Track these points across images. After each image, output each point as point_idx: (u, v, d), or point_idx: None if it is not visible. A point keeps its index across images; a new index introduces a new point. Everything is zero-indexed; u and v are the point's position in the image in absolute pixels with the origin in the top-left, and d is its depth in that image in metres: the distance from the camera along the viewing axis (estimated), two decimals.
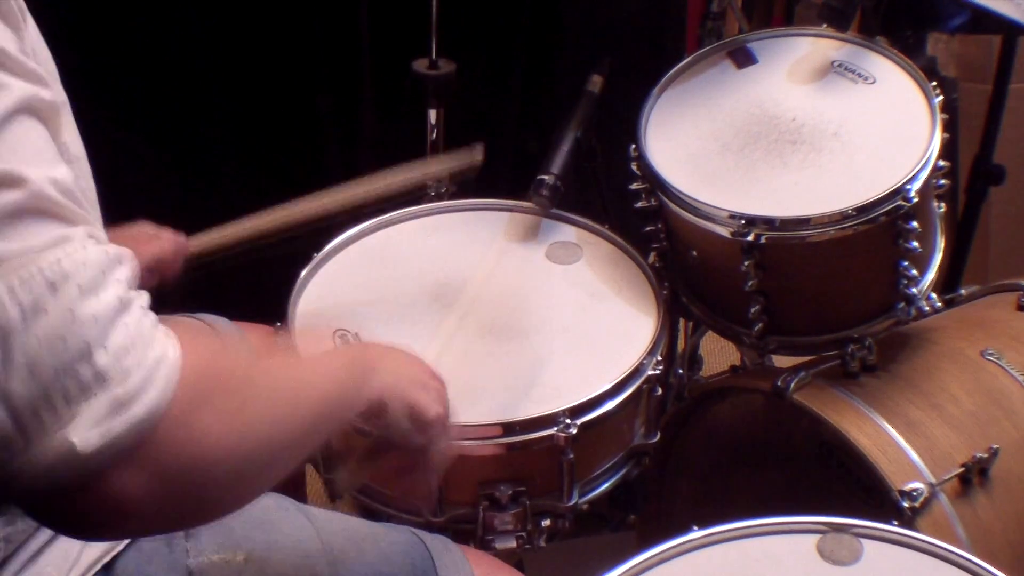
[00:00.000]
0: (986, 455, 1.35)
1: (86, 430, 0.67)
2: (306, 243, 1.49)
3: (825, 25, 1.52)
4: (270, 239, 1.43)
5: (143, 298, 0.73)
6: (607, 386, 1.28)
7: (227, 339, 1.07)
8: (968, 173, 1.95)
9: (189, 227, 1.43)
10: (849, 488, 1.40)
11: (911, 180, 1.34)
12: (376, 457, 1.07)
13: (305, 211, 1.44)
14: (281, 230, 1.43)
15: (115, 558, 1.02)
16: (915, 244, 1.34)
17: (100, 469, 0.68)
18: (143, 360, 0.69)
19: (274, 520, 1.12)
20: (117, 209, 1.25)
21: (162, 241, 1.34)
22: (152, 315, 0.73)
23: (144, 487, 0.70)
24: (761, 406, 1.53)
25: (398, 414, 0.97)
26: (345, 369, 0.94)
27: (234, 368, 0.79)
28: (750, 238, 1.34)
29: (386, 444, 1.04)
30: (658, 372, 1.33)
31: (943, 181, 1.41)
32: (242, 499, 0.81)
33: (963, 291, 1.68)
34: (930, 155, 1.37)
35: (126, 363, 0.68)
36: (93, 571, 0.99)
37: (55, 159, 0.73)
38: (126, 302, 0.70)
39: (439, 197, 1.71)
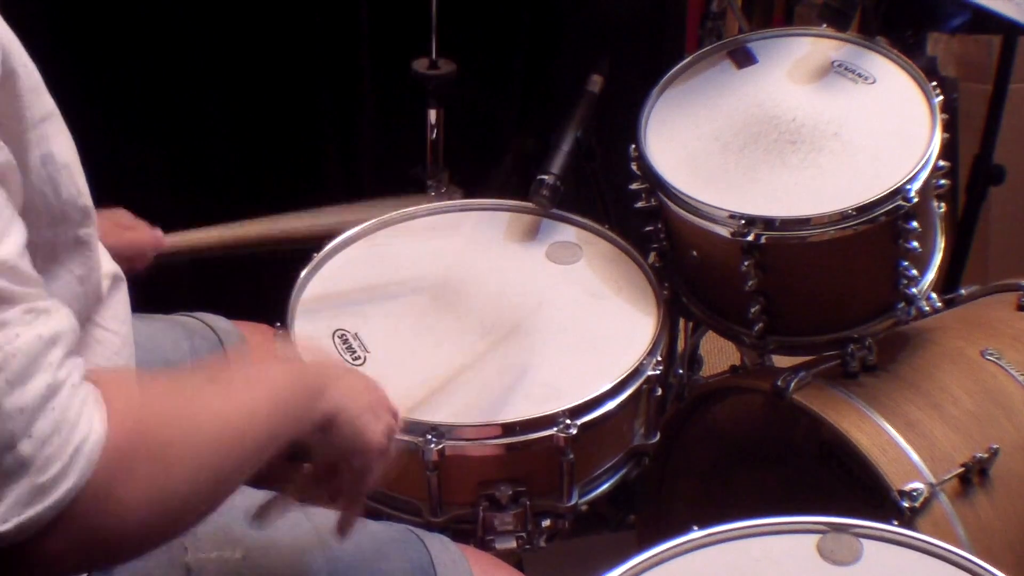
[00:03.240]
0: (986, 455, 1.35)
1: (5, 511, 0.71)
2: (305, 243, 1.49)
3: (825, 25, 1.52)
4: (242, 248, 1.44)
5: (76, 371, 0.75)
6: (607, 386, 1.28)
7: (171, 372, 1.05)
8: (968, 173, 1.95)
9: (188, 226, 1.44)
10: (849, 488, 1.40)
11: (911, 180, 1.34)
12: (311, 482, 1.06)
13: (284, 228, 1.45)
14: (254, 243, 1.45)
15: None
16: (915, 244, 1.34)
17: (19, 541, 0.72)
18: (66, 445, 0.72)
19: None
20: (114, 207, 1.26)
21: (138, 232, 1.34)
22: (82, 389, 0.75)
23: (64, 551, 0.74)
24: (761, 406, 1.53)
25: (343, 435, 0.98)
26: (294, 392, 0.94)
27: (165, 419, 0.80)
28: (750, 238, 1.34)
29: (323, 467, 1.04)
30: (658, 372, 1.33)
31: (943, 181, 1.41)
32: (170, 538, 0.85)
33: (963, 291, 1.68)
34: (930, 155, 1.37)
35: (49, 450, 0.71)
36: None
37: (3, 229, 0.75)
38: (55, 387, 0.73)
39: (439, 197, 1.71)
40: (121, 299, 1.11)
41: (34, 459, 0.71)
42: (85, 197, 0.95)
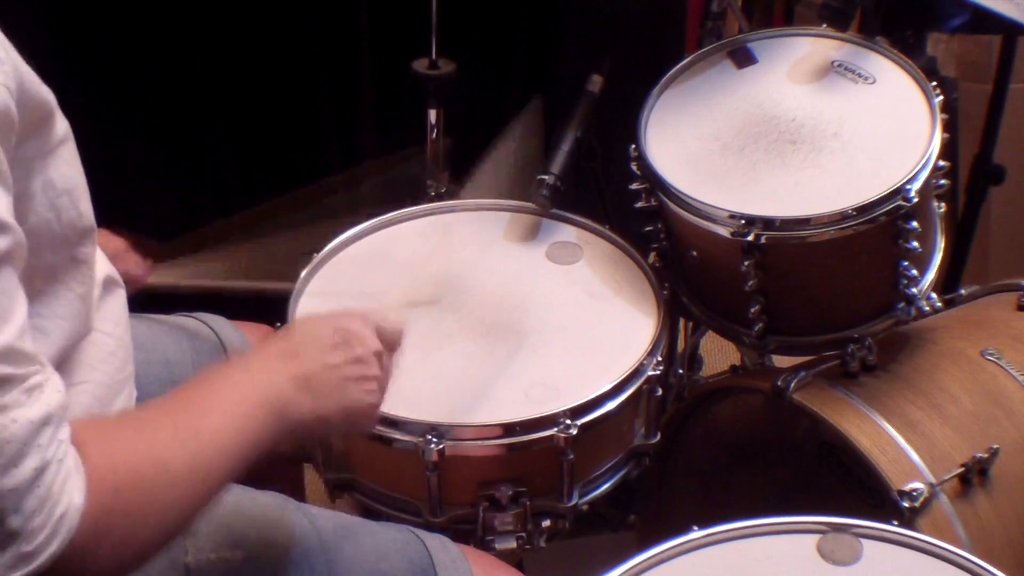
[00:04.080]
0: (986, 455, 1.35)
1: None
2: (305, 243, 1.49)
3: (825, 25, 1.52)
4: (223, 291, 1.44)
5: (62, 446, 0.81)
6: (607, 387, 1.28)
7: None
8: (968, 173, 1.95)
9: (188, 226, 1.44)
10: (849, 488, 1.40)
11: (911, 180, 1.34)
12: None
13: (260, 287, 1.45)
14: (238, 290, 1.44)
15: None
16: (915, 244, 1.34)
17: None
18: (50, 518, 0.79)
19: (273, 519, 1.12)
20: (116, 209, 1.25)
21: (126, 263, 1.32)
22: (66, 463, 0.81)
23: None
24: (761, 406, 1.53)
25: (330, 425, 1.03)
26: (264, 419, 0.95)
27: (139, 478, 0.86)
28: (750, 238, 1.34)
29: None
30: (658, 372, 1.33)
31: (943, 181, 1.41)
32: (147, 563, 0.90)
33: (963, 291, 1.68)
34: (930, 155, 1.37)
35: (35, 523, 0.79)
36: None
37: (5, 314, 0.80)
38: (42, 468, 0.79)
39: (439, 197, 1.71)
40: (116, 302, 1.12)
41: (22, 531, 0.78)
42: (87, 218, 0.97)
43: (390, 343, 1.06)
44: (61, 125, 0.93)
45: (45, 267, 0.93)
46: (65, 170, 0.93)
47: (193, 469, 0.89)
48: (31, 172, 0.89)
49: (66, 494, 0.81)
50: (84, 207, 0.96)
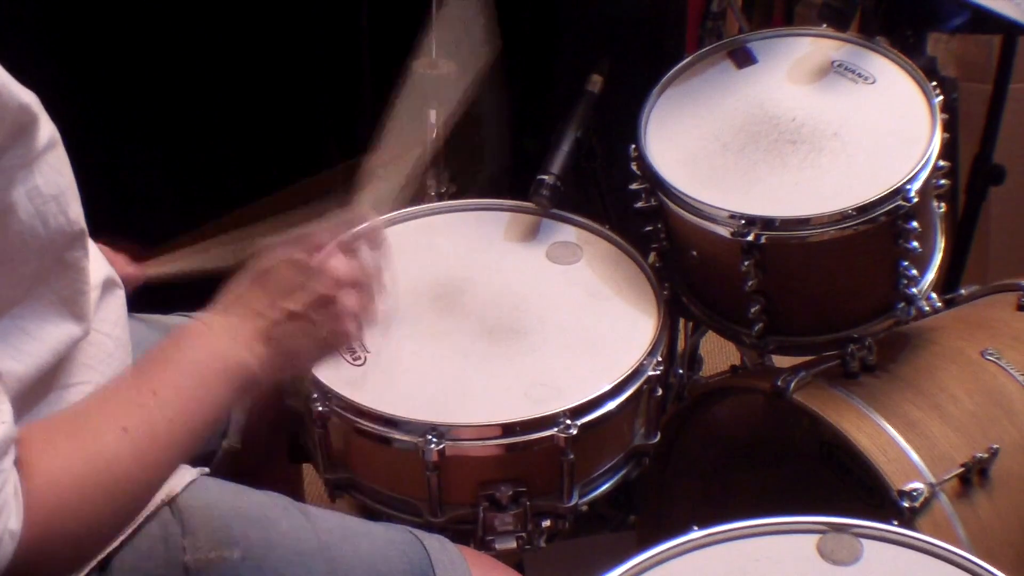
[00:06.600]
0: (986, 455, 1.35)
1: None
2: None
3: (825, 25, 1.52)
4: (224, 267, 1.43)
5: (3, 474, 0.80)
6: (607, 387, 1.28)
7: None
8: (968, 173, 1.94)
9: (187, 227, 1.43)
10: (849, 488, 1.40)
11: (911, 180, 1.34)
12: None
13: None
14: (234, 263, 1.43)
15: (111, 555, 1.02)
16: (915, 244, 1.34)
17: None
18: None
19: (271, 518, 1.12)
20: (115, 209, 1.25)
21: (117, 267, 1.28)
22: (4, 491, 0.80)
23: None
24: (761, 406, 1.53)
25: (311, 364, 0.99)
26: (218, 393, 0.93)
27: (84, 477, 0.85)
28: (750, 238, 1.34)
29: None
30: (658, 373, 1.33)
31: (943, 181, 1.41)
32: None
33: (963, 291, 1.68)
34: (930, 155, 1.37)
35: None
36: (87, 568, 0.99)
37: None
38: None
39: (439, 197, 1.71)
40: (115, 303, 1.11)
41: None
42: (76, 223, 0.95)
43: (365, 250, 0.99)
44: (46, 129, 0.90)
45: (30, 272, 0.92)
46: (52, 176, 0.90)
47: (143, 461, 0.87)
48: (13, 182, 0.87)
49: (0, 521, 0.80)
50: (73, 212, 0.94)
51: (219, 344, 0.94)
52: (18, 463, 0.82)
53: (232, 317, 0.96)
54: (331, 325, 0.97)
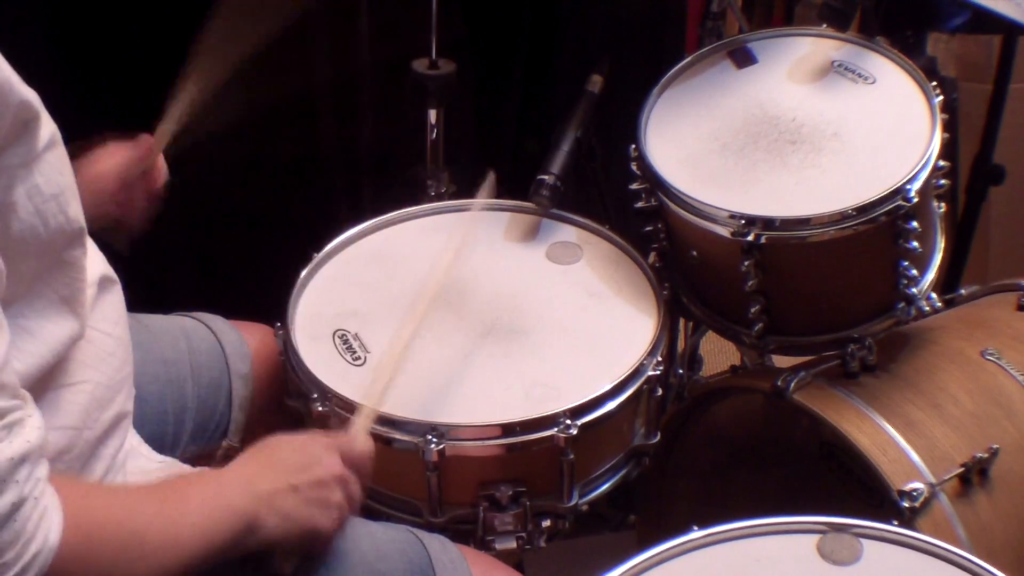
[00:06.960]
0: (986, 455, 1.35)
1: None
2: (306, 243, 1.49)
3: (825, 25, 1.52)
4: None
5: (39, 484, 0.84)
6: (607, 387, 1.28)
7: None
8: (968, 173, 1.94)
9: (187, 227, 1.43)
10: (849, 488, 1.40)
11: (911, 180, 1.34)
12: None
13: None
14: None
15: None
16: (915, 244, 1.34)
17: None
18: (23, 555, 0.82)
19: None
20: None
21: (125, 148, 1.34)
22: (43, 500, 0.83)
23: None
24: (761, 406, 1.53)
25: (296, 540, 1.04)
26: (231, 525, 0.97)
27: (117, 528, 0.90)
28: (750, 238, 1.34)
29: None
30: (658, 372, 1.33)
31: (943, 181, 1.41)
32: None
33: (963, 291, 1.68)
34: (930, 155, 1.37)
35: (7, 558, 0.81)
36: None
37: None
38: (19, 503, 0.82)
39: (439, 197, 1.71)
40: (113, 301, 1.11)
41: None
42: (76, 222, 0.96)
43: (356, 467, 1.08)
44: (47, 128, 0.91)
45: (30, 271, 0.93)
46: (52, 175, 0.91)
47: (166, 549, 0.91)
48: (14, 180, 0.87)
49: (41, 532, 0.83)
50: (73, 211, 0.95)
51: (235, 487, 1.01)
52: (54, 485, 0.85)
53: (251, 475, 1.03)
54: (319, 510, 1.04)
